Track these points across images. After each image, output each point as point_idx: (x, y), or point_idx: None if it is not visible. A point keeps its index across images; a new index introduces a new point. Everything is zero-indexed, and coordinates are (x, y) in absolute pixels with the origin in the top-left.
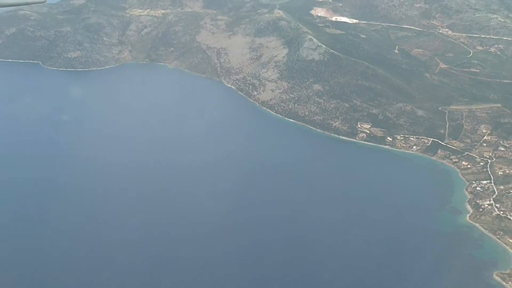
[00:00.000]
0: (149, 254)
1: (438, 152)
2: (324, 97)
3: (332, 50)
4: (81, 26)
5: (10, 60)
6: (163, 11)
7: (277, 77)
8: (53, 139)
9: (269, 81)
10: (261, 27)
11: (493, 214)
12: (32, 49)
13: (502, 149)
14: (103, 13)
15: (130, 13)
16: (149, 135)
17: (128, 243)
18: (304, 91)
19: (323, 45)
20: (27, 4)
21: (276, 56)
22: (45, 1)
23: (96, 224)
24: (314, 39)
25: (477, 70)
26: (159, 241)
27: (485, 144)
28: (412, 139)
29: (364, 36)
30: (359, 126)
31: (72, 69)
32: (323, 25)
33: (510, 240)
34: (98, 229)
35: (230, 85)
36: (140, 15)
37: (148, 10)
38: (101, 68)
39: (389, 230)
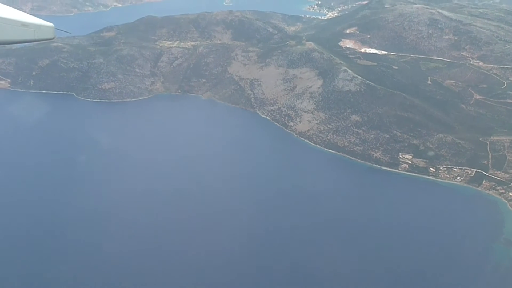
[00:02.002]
0: None
1: (483, 183)
2: (363, 128)
3: (368, 81)
4: (114, 57)
5: (44, 91)
6: (192, 43)
7: (313, 108)
8: (91, 170)
9: (305, 112)
10: (294, 59)
11: None
12: (65, 81)
13: None
14: (134, 45)
15: (160, 45)
16: (189, 166)
17: None
18: (342, 122)
19: (359, 76)
20: (35, 41)
21: (311, 87)
22: (53, 38)
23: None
24: (349, 70)
25: None
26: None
27: None
28: (456, 169)
29: (396, 67)
30: (401, 156)
31: (107, 100)
32: (353, 56)
33: None
34: None
35: (265, 116)
36: (170, 47)
37: (178, 42)
38: (135, 99)
39: (446, 262)
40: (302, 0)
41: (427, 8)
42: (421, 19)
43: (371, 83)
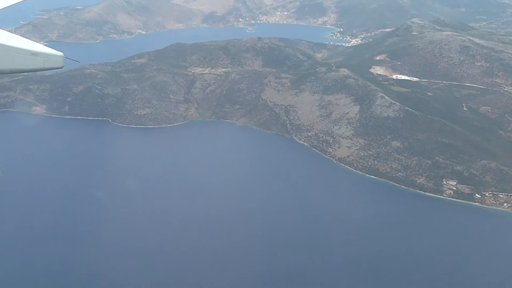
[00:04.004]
0: None
1: None
2: (404, 154)
3: (406, 107)
4: (148, 84)
5: (79, 117)
6: (224, 70)
7: (352, 134)
8: (133, 194)
9: (343, 138)
10: (329, 85)
11: None
12: (100, 107)
13: None
14: (166, 72)
15: (192, 71)
16: (229, 191)
17: None
18: (383, 148)
19: (397, 102)
20: (44, 70)
21: (347, 113)
22: (62, 67)
23: None
24: (386, 97)
25: None
26: None
27: None
28: (502, 196)
29: (430, 94)
30: (445, 183)
31: (143, 126)
32: (387, 83)
33: None
34: None
35: (302, 142)
36: (202, 73)
37: (209, 68)
38: (171, 125)
39: None
40: (323, 28)
41: (457, 35)
42: (452, 46)
43: (410, 109)
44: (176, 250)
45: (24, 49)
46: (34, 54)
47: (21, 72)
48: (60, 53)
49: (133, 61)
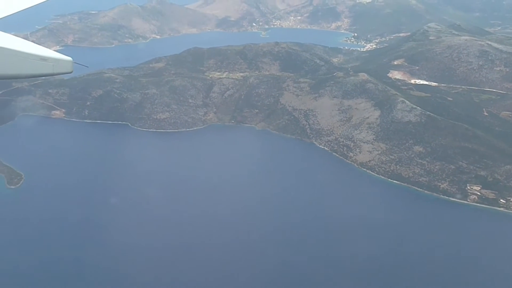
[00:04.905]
0: None
1: None
2: (427, 159)
3: (428, 112)
4: (166, 88)
5: (99, 121)
6: (241, 74)
7: (373, 139)
8: (157, 198)
9: (364, 142)
10: (348, 89)
11: None
12: (119, 111)
13: None
14: (185, 76)
15: (210, 76)
16: (253, 196)
17: None
18: (405, 153)
19: (418, 107)
20: (53, 75)
21: (368, 117)
22: (71, 72)
23: None
24: (407, 101)
25: None
26: None
27: None
28: None
29: (450, 99)
30: (469, 188)
31: (162, 130)
32: (406, 87)
33: None
34: None
35: (322, 147)
36: (220, 78)
37: (227, 73)
38: (190, 129)
39: None
40: (337, 32)
41: (475, 39)
42: (471, 51)
43: (431, 113)
44: (191, 249)
45: (33, 54)
46: (43, 59)
47: (30, 77)
48: (69, 58)
49: (150, 65)
